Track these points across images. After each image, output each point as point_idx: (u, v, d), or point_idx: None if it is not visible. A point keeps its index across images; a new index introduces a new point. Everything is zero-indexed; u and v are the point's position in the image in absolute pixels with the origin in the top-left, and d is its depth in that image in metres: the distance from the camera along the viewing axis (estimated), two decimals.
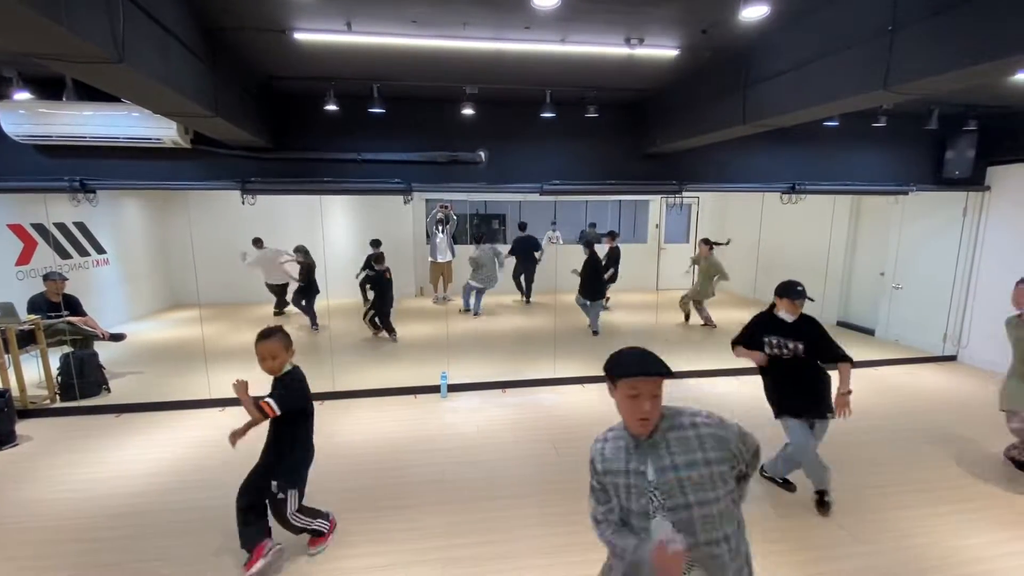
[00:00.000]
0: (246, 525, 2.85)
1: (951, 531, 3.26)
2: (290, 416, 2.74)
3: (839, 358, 3.32)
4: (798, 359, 3.34)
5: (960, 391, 5.68)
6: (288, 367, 2.77)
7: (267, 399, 2.65)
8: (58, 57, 2.33)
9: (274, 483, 2.81)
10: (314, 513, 3.01)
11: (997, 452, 4.21)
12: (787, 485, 3.68)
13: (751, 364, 3.50)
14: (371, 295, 7.40)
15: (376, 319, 7.40)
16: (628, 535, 1.61)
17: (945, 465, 4.06)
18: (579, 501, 3.49)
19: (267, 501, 2.87)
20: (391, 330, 7.37)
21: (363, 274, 7.54)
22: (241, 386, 2.71)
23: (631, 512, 1.60)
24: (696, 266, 7.99)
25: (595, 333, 7.66)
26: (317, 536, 3.06)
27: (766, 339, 3.42)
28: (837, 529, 3.26)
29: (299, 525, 2.94)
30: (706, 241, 7.93)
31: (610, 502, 1.66)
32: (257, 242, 8.14)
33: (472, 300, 8.80)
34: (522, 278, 9.57)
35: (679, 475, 1.53)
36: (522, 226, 9.53)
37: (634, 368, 1.55)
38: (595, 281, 7.64)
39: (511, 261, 9.33)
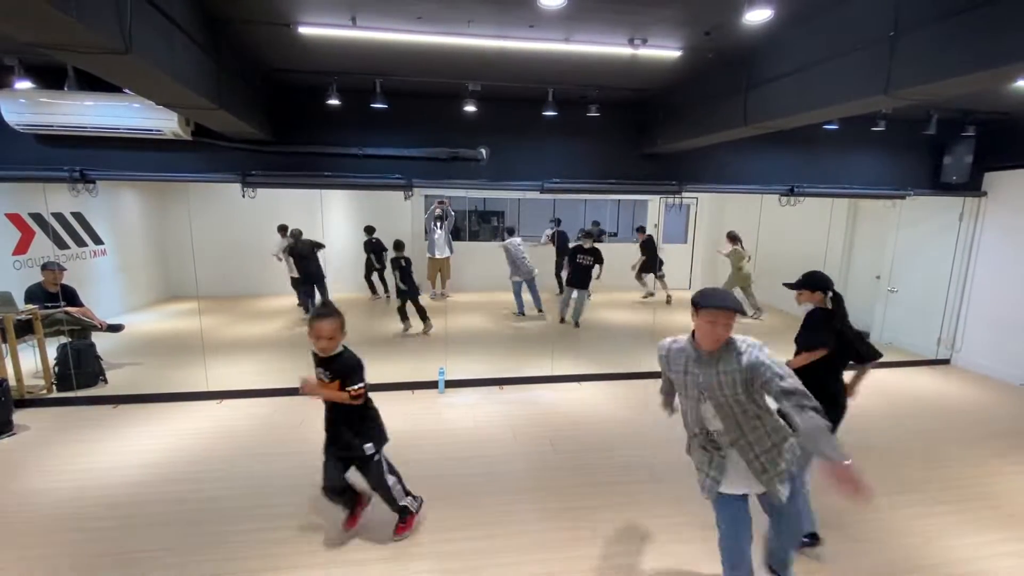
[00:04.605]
0: (347, 504, 3.10)
1: (944, 531, 3.31)
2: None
3: None
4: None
5: (953, 394, 5.74)
6: (340, 347, 2.83)
7: (355, 387, 2.77)
8: (65, 47, 2.33)
9: (368, 445, 2.90)
10: (403, 484, 3.10)
11: (991, 453, 4.26)
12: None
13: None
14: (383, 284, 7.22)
15: (405, 308, 7.38)
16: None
17: (938, 466, 4.10)
18: (576, 497, 3.53)
19: (362, 469, 3.00)
20: (426, 316, 7.38)
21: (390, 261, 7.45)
22: (311, 385, 2.78)
23: (687, 396, 2.24)
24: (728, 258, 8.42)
25: (576, 325, 7.85)
26: (406, 516, 3.12)
27: None
28: (833, 528, 3.29)
29: (390, 484, 3.00)
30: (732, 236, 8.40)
31: (671, 385, 2.41)
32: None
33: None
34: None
35: (719, 378, 2.10)
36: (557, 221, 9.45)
37: (716, 301, 2.04)
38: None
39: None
